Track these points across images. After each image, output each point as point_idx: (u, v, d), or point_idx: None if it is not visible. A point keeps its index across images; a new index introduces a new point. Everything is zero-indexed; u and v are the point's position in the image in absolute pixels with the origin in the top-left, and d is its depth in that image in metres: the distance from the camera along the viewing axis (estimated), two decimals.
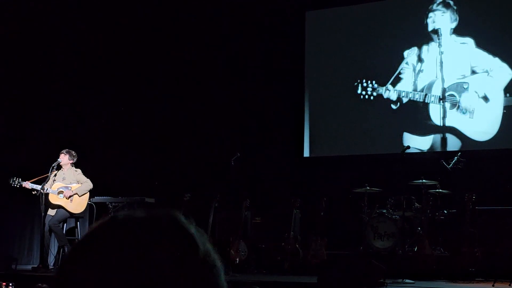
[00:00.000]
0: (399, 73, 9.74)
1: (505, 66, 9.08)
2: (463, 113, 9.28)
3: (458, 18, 9.48)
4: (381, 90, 9.74)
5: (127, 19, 10.66)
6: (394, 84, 9.75)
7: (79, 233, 8.68)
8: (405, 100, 9.67)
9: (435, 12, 9.60)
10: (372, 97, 9.74)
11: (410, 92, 9.63)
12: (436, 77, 9.52)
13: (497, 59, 9.13)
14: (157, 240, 0.76)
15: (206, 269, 0.78)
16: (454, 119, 9.33)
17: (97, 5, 10.47)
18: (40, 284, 4.73)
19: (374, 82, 9.74)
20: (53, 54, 10.05)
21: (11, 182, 8.16)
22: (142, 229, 0.77)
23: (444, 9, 9.56)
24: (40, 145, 9.46)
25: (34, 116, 9.79)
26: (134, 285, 0.73)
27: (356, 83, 9.81)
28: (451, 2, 9.52)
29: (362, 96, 9.76)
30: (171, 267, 0.74)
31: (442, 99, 9.40)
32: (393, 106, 9.73)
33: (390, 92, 9.71)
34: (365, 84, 9.75)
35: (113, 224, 0.79)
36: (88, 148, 9.72)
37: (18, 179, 8.19)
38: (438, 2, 9.60)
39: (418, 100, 9.57)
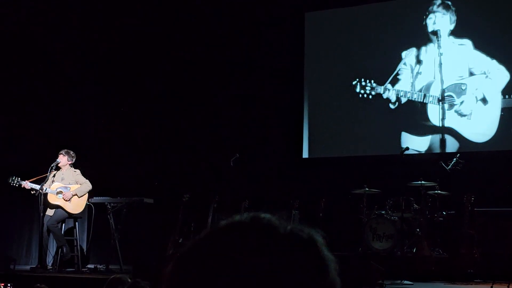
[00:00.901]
0: (397, 73, 9.75)
1: (502, 68, 9.09)
2: (461, 114, 9.29)
3: (456, 19, 9.49)
4: (380, 89, 9.74)
5: (127, 19, 10.66)
6: (392, 84, 9.76)
7: (78, 234, 8.67)
8: (403, 100, 9.67)
9: (436, 14, 9.61)
10: (370, 96, 9.74)
11: (408, 92, 9.64)
12: (434, 78, 9.53)
13: (494, 61, 9.14)
14: (291, 257, 0.75)
15: None
16: (452, 120, 9.34)
17: (97, 5, 10.47)
18: (39, 285, 4.72)
19: (372, 81, 9.75)
20: (52, 54, 10.05)
21: (10, 181, 8.15)
22: (281, 242, 0.76)
23: (444, 10, 9.57)
24: (39, 145, 9.45)
25: (33, 116, 9.79)
26: None
27: (354, 82, 9.81)
28: (450, 3, 9.54)
29: (360, 95, 9.76)
30: (298, 286, 0.73)
31: (441, 100, 9.41)
32: (392, 106, 9.73)
33: (389, 92, 9.72)
34: (363, 83, 9.75)
35: (255, 225, 0.78)
36: (87, 149, 9.72)
37: (17, 179, 8.19)
38: (438, 3, 9.61)
39: (416, 100, 9.58)
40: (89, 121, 10.46)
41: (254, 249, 0.74)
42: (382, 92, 9.74)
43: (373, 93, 9.74)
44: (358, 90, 9.79)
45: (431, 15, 9.64)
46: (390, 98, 9.72)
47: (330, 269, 0.78)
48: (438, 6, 9.61)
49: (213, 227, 0.80)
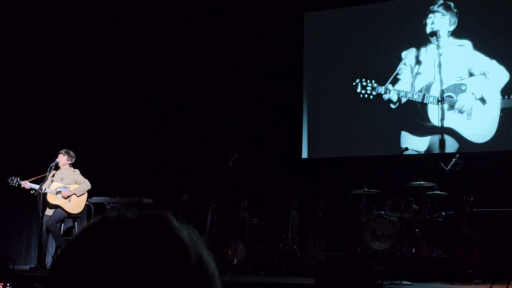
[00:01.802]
0: (397, 74, 9.76)
1: (502, 68, 9.10)
2: (461, 115, 9.29)
3: (457, 21, 9.49)
4: (381, 89, 9.75)
5: (127, 19, 10.66)
6: (392, 84, 9.76)
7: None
8: (404, 100, 9.68)
9: (435, 14, 9.61)
10: (371, 96, 9.74)
11: (409, 92, 9.65)
12: (434, 78, 9.53)
13: (494, 62, 9.15)
14: (146, 243, 0.73)
15: (198, 275, 0.74)
16: (452, 121, 9.34)
17: (97, 4, 10.47)
18: (37, 285, 4.72)
19: (373, 81, 9.75)
20: (51, 54, 10.05)
21: (9, 181, 8.15)
22: (132, 231, 0.75)
23: (444, 11, 9.57)
24: (39, 145, 9.45)
25: (32, 115, 9.78)
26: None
27: (355, 83, 9.81)
28: (452, 5, 9.54)
29: (361, 95, 9.76)
30: (159, 272, 0.72)
31: (441, 100, 9.41)
32: (392, 106, 9.74)
33: (390, 92, 9.72)
34: (364, 83, 9.76)
35: (105, 224, 0.77)
36: (86, 148, 9.71)
37: (17, 179, 8.18)
38: (439, 4, 9.61)
39: (417, 100, 9.58)
40: (89, 121, 10.46)
41: (107, 247, 0.73)
42: (383, 92, 9.75)
43: (374, 93, 9.75)
44: (359, 90, 9.79)
45: (431, 15, 9.64)
46: (391, 98, 9.72)
47: (190, 243, 0.75)
48: (439, 6, 9.61)
49: (70, 240, 0.80)
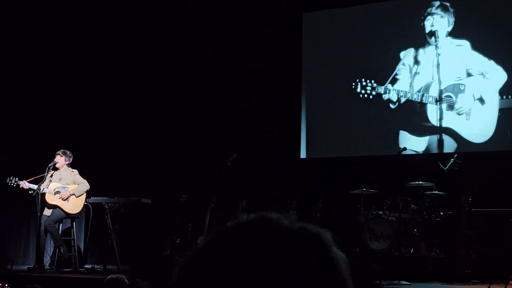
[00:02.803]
0: (396, 74, 9.76)
1: (500, 68, 9.11)
2: (460, 115, 9.30)
3: (454, 21, 9.50)
4: (380, 89, 9.75)
5: (126, 19, 10.65)
6: (392, 84, 9.76)
7: (75, 234, 8.66)
8: (403, 100, 9.68)
9: (434, 16, 9.61)
10: (371, 96, 9.74)
11: (408, 92, 9.65)
12: (433, 78, 9.54)
13: (492, 62, 9.15)
14: (299, 254, 0.74)
15: None
16: (450, 121, 9.34)
17: (96, 4, 10.46)
18: (29, 286, 4.70)
19: (373, 81, 9.75)
20: (50, 54, 10.04)
21: (7, 181, 8.13)
22: (291, 240, 0.75)
23: (442, 12, 9.58)
24: (37, 144, 9.44)
25: (31, 115, 9.77)
26: None
27: (354, 83, 9.81)
28: (449, 5, 9.54)
29: (361, 95, 9.76)
30: (303, 285, 0.72)
31: (439, 100, 9.42)
32: (392, 106, 9.74)
33: (389, 92, 9.72)
34: (364, 83, 9.75)
35: (264, 225, 0.77)
36: (85, 148, 9.70)
37: (15, 178, 8.17)
38: (436, 5, 9.61)
39: (416, 100, 9.58)
40: (87, 120, 10.45)
41: (262, 250, 0.73)
42: (382, 92, 9.75)
43: (373, 93, 9.74)
44: (358, 90, 9.78)
45: (429, 17, 9.64)
46: (391, 98, 9.72)
47: (339, 268, 0.77)
48: (437, 8, 9.61)
49: (220, 229, 0.79)
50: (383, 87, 9.75)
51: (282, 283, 0.71)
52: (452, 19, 9.51)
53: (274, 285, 0.71)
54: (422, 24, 9.66)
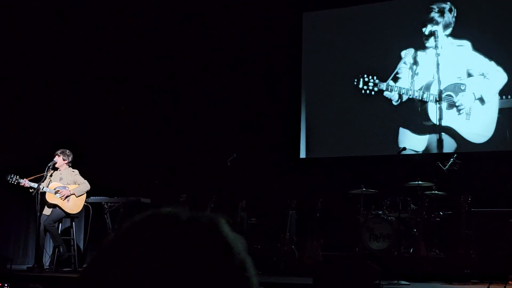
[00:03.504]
0: (397, 72, 9.76)
1: (500, 69, 9.11)
2: (460, 114, 9.30)
3: (454, 20, 9.49)
4: (383, 85, 9.74)
5: (127, 20, 10.65)
6: (394, 81, 9.75)
7: (75, 233, 8.66)
8: (405, 97, 9.68)
9: (433, 15, 9.61)
10: (373, 93, 9.73)
11: (410, 90, 9.65)
12: (433, 78, 9.54)
13: (492, 63, 9.15)
14: (195, 244, 0.75)
15: (239, 281, 0.76)
16: (451, 120, 9.35)
17: (96, 4, 10.46)
18: (32, 285, 4.69)
19: (375, 77, 9.74)
20: (50, 53, 10.04)
21: (8, 179, 8.12)
22: (182, 231, 0.76)
23: (441, 11, 9.57)
24: (38, 143, 9.44)
25: (31, 114, 9.77)
26: (163, 285, 0.72)
27: (357, 79, 9.79)
28: (449, 5, 9.53)
29: (363, 91, 9.75)
30: (202, 272, 0.73)
31: (439, 100, 9.42)
32: (394, 103, 9.74)
33: (391, 88, 9.70)
34: (366, 79, 9.75)
35: (155, 220, 0.78)
36: (84, 148, 9.70)
37: (16, 176, 8.16)
38: (437, 5, 9.60)
39: (417, 98, 9.58)
40: (87, 120, 10.44)
41: (157, 245, 0.74)
42: (385, 89, 9.74)
43: (375, 89, 9.74)
44: (361, 85, 9.77)
45: (429, 16, 9.64)
46: (393, 95, 9.71)
47: (235, 249, 0.77)
48: (437, 7, 9.61)
49: (115, 233, 0.80)
50: (385, 84, 9.75)
51: (182, 274, 0.73)
52: (452, 20, 9.50)
53: (175, 278, 0.72)
54: (422, 23, 9.65)
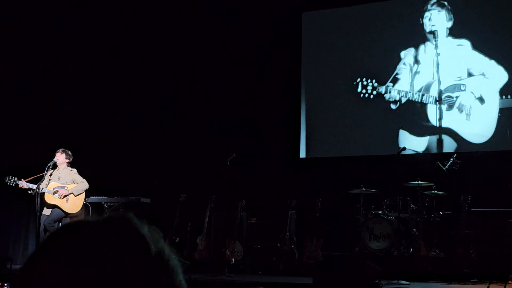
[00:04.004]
0: (396, 73, 9.76)
1: (500, 68, 9.10)
2: (460, 115, 9.30)
3: (453, 18, 9.49)
4: (381, 89, 9.75)
5: (127, 19, 10.65)
6: (393, 84, 9.76)
7: None
8: (404, 100, 9.68)
9: (431, 11, 9.62)
10: (372, 96, 9.75)
11: (409, 92, 9.65)
12: (433, 78, 9.54)
13: (493, 62, 9.15)
14: (106, 242, 0.77)
15: (159, 266, 0.78)
16: (450, 121, 9.34)
17: (96, 3, 10.45)
18: None
19: (374, 80, 9.75)
20: (50, 53, 10.03)
21: (6, 180, 8.12)
22: (94, 232, 0.78)
23: (439, 8, 9.58)
24: (37, 144, 9.44)
25: (30, 115, 9.77)
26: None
27: (355, 82, 9.81)
28: (445, 2, 9.54)
29: (362, 95, 9.76)
30: (121, 268, 0.75)
31: (439, 100, 9.42)
32: (393, 106, 9.74)
33: (390, 91, 9.71)
34: (365, 83, 9.76)
35: (65, 231, 0.81)
36: (84, 148, 9.69)
37: (14, 178, 8.16)
38: (432, 2, 9.62)
39: (416, 100, 9.58)
40: (86, 120, 10.44)
41: (75, 252, 0.77)
42: (383, 92, 9.75)
43: (374, 92, 9.75)
44: (359, 89, 9.79)
45: (427, 14, 9.65)
46: (392, 98, 9.72)
47: (150, 239, 0.80)
48: (433, 4, 9.62)
49: (37, 246, 0.85)
50: (384, 87, 9.76)
51: (102, 275, 0.74)
52: (450, 16, 9.50)
53: (97, 278, 0.74)
54: (421, 22, 9.65)
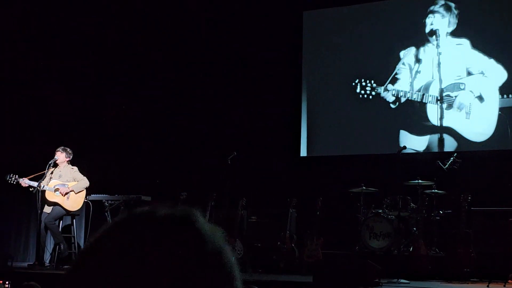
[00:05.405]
0: (396, 73, 9.77)
1: (500, 67, 9.11)
2: (460, 111, 9.31)
3: (457, 22, 9.48)
4: (380, 89, 9.76)
5: (127, 19, 10.65)
6: (392, 84, 9.77)
7: (75, 231, 8.68)
8: (403, 99, 9.69)
9: (435, 14, 9.61)
10: (371, 97, 9.76)
11: (408, 92, 9.66)
12: (433, 77, 9.55)
13: (492, 60, 9.16)
14: (169, 237, 0.76)
15: (214, 267, 0.76)
16: (451, 120, 9.35)
17: (97, 3, 10.46)
18: (26, 283, 4.70)
19: (372, 81, 9.77)
20: (50, 52, 10.04)
21: (7, 178, 8.15)
22: (158, 228, 0.77)
23: (444, 12, 9.57)
24: (37, 142, 9.45)
25: (31, 113, 9.78)
26: (139, 284, 0.73)
27: (354, 83, 9.83)
28: (453, 6, 9.52)
29: (361, 96, 9.78)
30: (173, 265, 0.74)
31: (440, 99, 9.43)
32: (392, 106, 9.75)
33: (389, 92, 9.73)
34: (364, 83, 9.77)
35: (130, 221, 0.80)
36: (85, 146, 9.71)
37: (15, 176, 8.18)
38: (439, 4, 9.60)
39: (416, 100, 9.59)
40: (87, 118, 10.45)
41: (132, 244, 0.75)
42: (382, 92, 9.76)
43: (373, 93, 9.76)
44: (358, 90, 9.80)
45: (431, 15, 9.64)
46: (391, 98, 9.73)
47: (211, 238, 0.78)
48: (440, 7, 9.61)
49: (94, 237, 0.81)
50: (382, 87, 9.77)
51: (160, 267, 0.73)
52: (454, 20, 9.50)
53: (155, 276, 0.73)
54: (423, 21, 9.65)
